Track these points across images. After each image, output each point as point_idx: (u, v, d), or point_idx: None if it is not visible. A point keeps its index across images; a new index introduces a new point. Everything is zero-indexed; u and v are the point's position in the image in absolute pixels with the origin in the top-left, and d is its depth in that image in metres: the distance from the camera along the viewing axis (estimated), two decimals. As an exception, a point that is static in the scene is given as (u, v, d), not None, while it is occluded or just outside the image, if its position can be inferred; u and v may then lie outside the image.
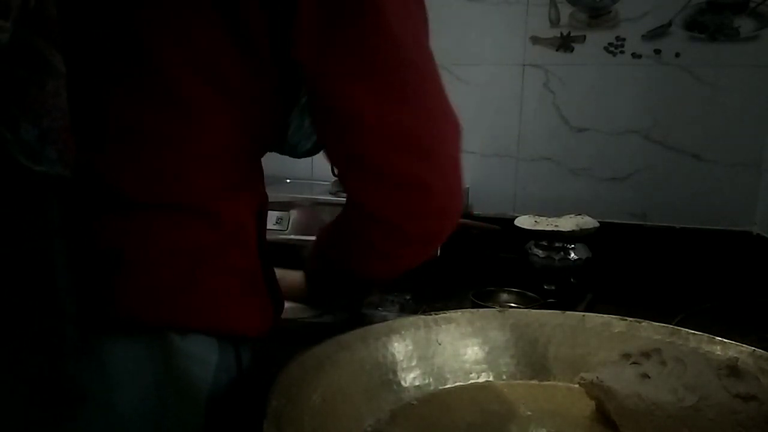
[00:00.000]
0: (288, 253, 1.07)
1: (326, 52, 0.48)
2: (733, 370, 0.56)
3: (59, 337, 0.47)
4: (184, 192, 0.50)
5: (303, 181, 1.37)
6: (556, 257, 1.10)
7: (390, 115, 0.50)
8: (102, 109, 0.48)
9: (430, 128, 0.53)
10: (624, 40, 1.23)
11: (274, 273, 0.61)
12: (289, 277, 0.82)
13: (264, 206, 0.60)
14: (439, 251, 1.05)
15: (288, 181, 1.35)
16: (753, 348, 0.62)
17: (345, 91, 0.49)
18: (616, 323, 0.70)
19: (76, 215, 0.48)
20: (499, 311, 0.75)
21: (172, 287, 0.49)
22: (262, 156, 0.60)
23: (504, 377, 0.69)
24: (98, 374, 0.47)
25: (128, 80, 0.48)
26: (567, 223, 1.11)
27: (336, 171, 0.58)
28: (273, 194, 1.19)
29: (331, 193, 1.18)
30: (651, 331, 0.68)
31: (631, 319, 0.70)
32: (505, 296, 1.06)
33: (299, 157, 0.69)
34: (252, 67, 0.50)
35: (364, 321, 0.73)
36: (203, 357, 0.52)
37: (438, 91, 0.54)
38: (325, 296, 0.79)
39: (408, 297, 1.01)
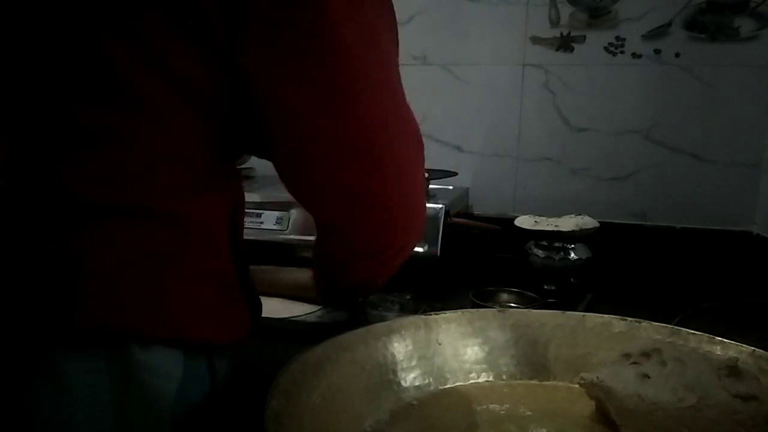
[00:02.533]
0: (288, 253, 1.07)
1: (268, 58, 0.47)
2: (733, 370, 0.56)
3: (10, 357, 0.45)
4: (146, 194, 0.48)
5: (303, 181, 1.36)
6: (556, 257, 1.09)
7: (331, 119, 0.48)
8: (59, 112, 0.46)
9: (378, 134, 0.50)
10: (624, 40, 1.23)
11: (250, 277, 0.59)
12: (298, 275, 0.81)
13: (239, 207, 0.58)
14: (439, 251, 1.05)
15: (288, 181, 1.35)
16: (753, 348, 0.62)
17: (280, 91, 0.48)
18: (616, 323, 0.70)
19: (27, 222, 0.46)
20: (499, 311, 0.75)
21: (133, 296, 0.47)
22: (236, 157, 0.58)
23: (504, 377, 0.69)
24: (55, 392, 0.45)
25: (85, 82, 0.46)
26: (567, 223, 1.11)
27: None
28: (273, 194, 1.20)
29: (331, 193, 1.18)
30: (651, 331, 0.68)
31: (631, 319, 0.70)
32: (505, 296, 1.06)
33: None
34: (214, 68, 0.48)
35: (364, 321, 0.73)
36: (166, 370, 0.49)
37: (393, 98, 0.52)
38: (331, 298, 0.79)
39: (408, 297, 1.01)
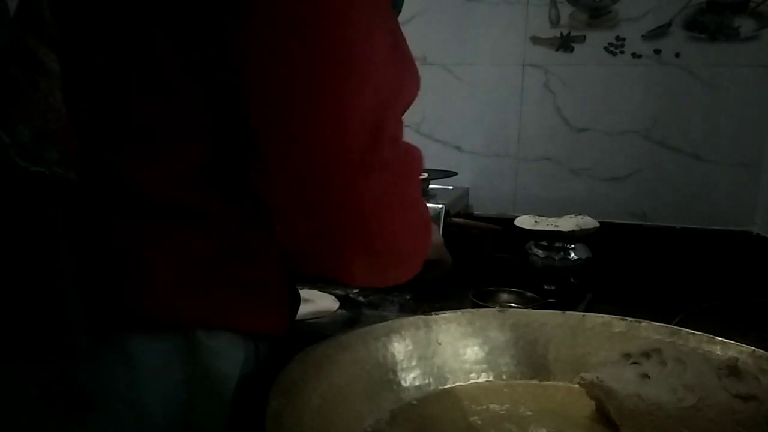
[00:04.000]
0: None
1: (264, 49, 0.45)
2: (733, 370, 0.56)
3: (67, 343, 0.46)
4: (198, 194, 0.49)
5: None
6: (556, 257, 1.09)
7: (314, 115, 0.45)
8: (115, 108, 0.48)
9: (317, 117, 0.45)
10: (624, 40, 1.23)
11: (290, 273, 0.60)
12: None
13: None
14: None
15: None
16: (753, 348, 0.62)
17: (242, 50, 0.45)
18: (616, 323, 0.70)
19: (87, 217, 0.47)
20: (499, 311, 0.75)
21: (195, 286, 0.49)
22: None
23: (504, 377, 0.69)
24: (126, 372, 0.47)
25: (140, 80, 0.47)
26: (567, 223, 1.11)
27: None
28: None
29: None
30: (651, 331, 0.68)
31: (631, 319, 0.70)
32: (505, 296, 1.06)
33: None
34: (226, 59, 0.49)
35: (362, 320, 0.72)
36: (229, 353, 0.52)
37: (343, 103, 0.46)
38: None
39: (408, 297, 1.01)
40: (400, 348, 0.67)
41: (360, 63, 0.46)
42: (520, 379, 0.69)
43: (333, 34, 0.45)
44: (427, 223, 0.59)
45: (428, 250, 0.61)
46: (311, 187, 0.47)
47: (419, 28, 1.32)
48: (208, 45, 0.47)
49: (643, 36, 1.22)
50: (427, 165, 1.35)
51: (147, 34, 0.46)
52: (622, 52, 1.24)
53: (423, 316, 0.70)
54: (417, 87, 0.54)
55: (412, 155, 0.53)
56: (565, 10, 1.26)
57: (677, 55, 1.21)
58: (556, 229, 1.09)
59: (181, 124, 0.48)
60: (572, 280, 1.11)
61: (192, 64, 0.47)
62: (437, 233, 0.81)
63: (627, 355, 0.63)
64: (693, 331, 0.67)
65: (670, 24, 1.20)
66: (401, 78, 0.51)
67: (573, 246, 1.10)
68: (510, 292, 1.06)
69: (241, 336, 0.53)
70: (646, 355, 0.61)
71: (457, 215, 1.17)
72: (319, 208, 0.48)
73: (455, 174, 1.29)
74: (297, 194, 0.48)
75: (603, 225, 1.13)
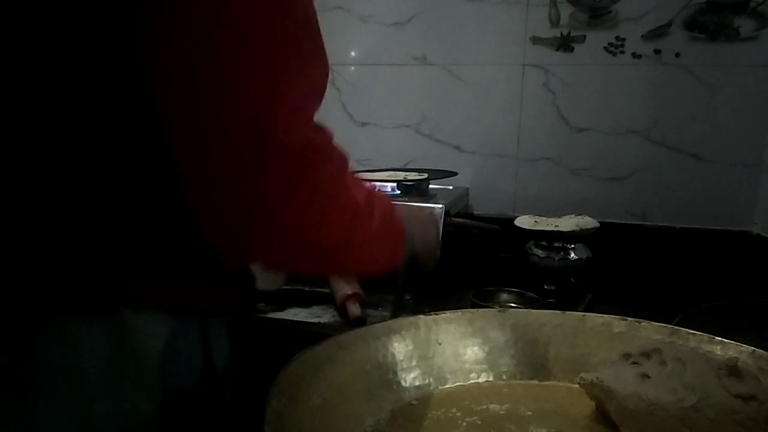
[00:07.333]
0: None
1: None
2: (733, 370, 0.56)
3: (9, 330, 0.49)
4: (126, 175, 0.51)
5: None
6: (556, 257, 1.10)
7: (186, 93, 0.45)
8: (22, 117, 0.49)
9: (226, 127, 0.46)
10: (624, 40, 1.23)
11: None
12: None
13: None
14: (439, 251, 1.04)
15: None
16: (753, 348, 0.62)
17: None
18: (616, 323, 0.70)
19: (22, 211, 0.49)
20: (499, 311, 0.75)
21: (123, 268, 0.52)
22: None
23: (504, 377, 0.69)
24: (66, 347, 0.50)
25: (38, 88, 0.48)
26: (567, 223, 1.11)
27: None
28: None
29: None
30: (651, 331, 0.68)
31: (631, 319, 0.70)
32: (505, 296, 1.06)
33: None
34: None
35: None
36: (152, 330, 0.54)
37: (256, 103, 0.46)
38: None
39: (408, 297, 1.01)
40: (400, 348, 0.67)
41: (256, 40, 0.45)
42: (520, 379, 0.69)
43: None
44: (363, 213, 0.57)
45: (373, 240, 0.60)
46: (218, 180, 0.48)
47: (419, 28, 1.32)
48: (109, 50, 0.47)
49: (643, 36, 1.22)
50: (427, 165, 1.36)
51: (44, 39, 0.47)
52: (622, 52, 1.24)
53: (423, 316, 0.70)
54: (326, 75, 0.52)
55: (320, 142, 0.52)
56: (565, 10, 1.26)
57: (677, 55, 1.21)
58: (556, 229, 1.09)
59: (93, 121, 0.49)
60: (572, 280, 1.11)
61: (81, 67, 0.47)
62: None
63: (627, 355, 0.63)
64: (693, 331, 0.67)
65: (670, 24, 1.20)
66: (304, 63, 0.49)
67: (573, 246, 1.10)
68: (510, 292, 1.06)
69: (172, 313, 0.55)
70: (646, 355, 0.61)
71: (457, 215, 1.17)
72: (228, 200, 0.49)
73: (455, 174, 1.29)
74: (207, 188, 0.49)
75: (603, 225, 1.13)
